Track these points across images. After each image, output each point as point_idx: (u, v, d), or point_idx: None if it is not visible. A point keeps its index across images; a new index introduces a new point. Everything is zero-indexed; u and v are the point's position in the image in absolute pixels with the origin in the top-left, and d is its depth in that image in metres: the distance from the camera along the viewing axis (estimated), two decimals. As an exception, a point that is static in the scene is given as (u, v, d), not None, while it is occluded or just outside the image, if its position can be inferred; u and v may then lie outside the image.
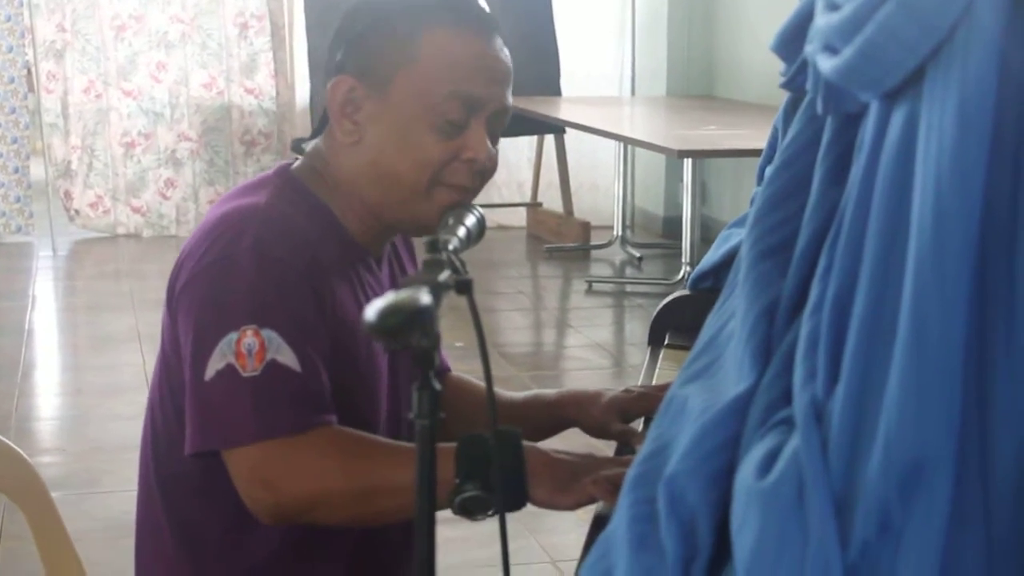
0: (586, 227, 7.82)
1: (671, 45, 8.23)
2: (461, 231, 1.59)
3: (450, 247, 1.42)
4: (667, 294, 7.84)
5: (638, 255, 7.65)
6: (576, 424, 1.97)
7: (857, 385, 0.95)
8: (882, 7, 0.96)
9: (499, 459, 1.54)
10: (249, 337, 1.62)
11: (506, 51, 1.78)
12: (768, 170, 2.16)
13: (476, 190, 1.78)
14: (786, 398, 1.10)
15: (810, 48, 1.23)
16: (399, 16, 1.75)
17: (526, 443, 1.63)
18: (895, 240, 0.95)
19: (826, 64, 1.07)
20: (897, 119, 0.98)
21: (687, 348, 2.27)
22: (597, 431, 1.94)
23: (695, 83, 8.23)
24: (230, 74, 8.06)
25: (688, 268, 6.68)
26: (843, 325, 1.01)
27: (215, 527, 1.78)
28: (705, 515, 1.06)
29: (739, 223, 2.24)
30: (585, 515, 4.23)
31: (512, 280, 7.08)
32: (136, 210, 8.05)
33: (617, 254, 7.77)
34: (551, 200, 8.17)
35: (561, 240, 7.80)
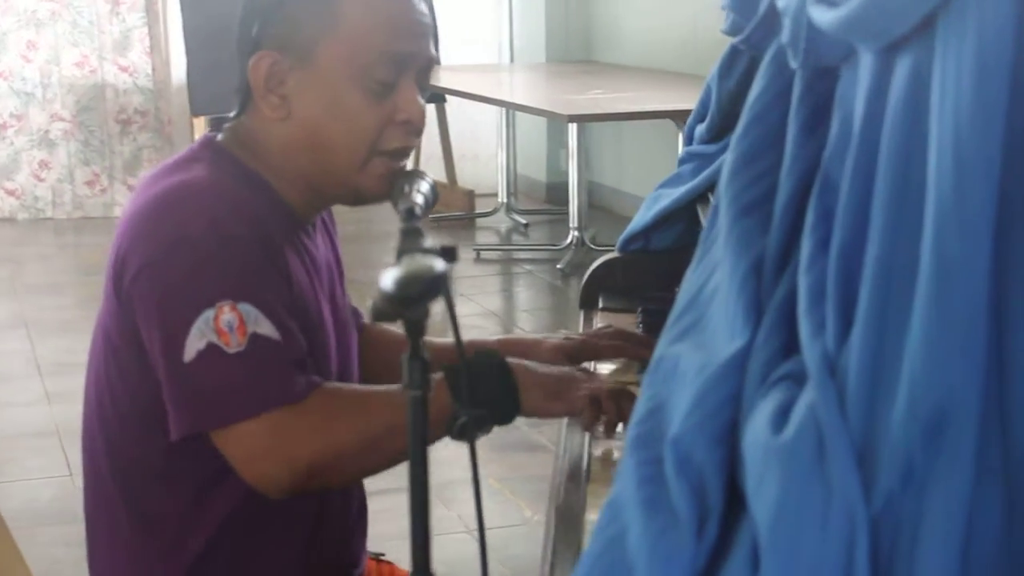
0: (470, 195, 7.82)
1: (549, 11, 8.24)
2: (419, 198, 1.58)
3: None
4: (555, 260, 7.83)
5: (524, 222, 7.67)
6: None
7: (875, 335, 0.94)
8: (894, -44, 0.96)
9: (491, 379, 1.65)
10: (227, 313, 1.60)
11: (423, 2, 1.73)
12: (708, 128, 2.17)
13: (412, 148, 1.76)
14: (783, 353, 1.09)
15: (783, 3, 1.23)
16: None
17: (510, 360, 1.69)
18: (907, 190, 0.95)
19: (824, 16, 1.06)
20: (902, 70, 0.97)
21: (623, 311, 2.28)
22: None
23: (574, 49, 8.24)
24: (103, 52, 7.91)
25: (576, 233, 6.70)
26: (851, 276, 1.00)
27: (174, 508, 1.75)
28: (713, 473, 1.05)
29: (668, 184, 2.25)
30: (498, 484, 4.20)
31: (399, 251, 7.03)
32: (10, 193, 7.89)
33: (503, 222, 7.78)
34: (433, 170, 8.12)
35: (446, 209, 7.78)
